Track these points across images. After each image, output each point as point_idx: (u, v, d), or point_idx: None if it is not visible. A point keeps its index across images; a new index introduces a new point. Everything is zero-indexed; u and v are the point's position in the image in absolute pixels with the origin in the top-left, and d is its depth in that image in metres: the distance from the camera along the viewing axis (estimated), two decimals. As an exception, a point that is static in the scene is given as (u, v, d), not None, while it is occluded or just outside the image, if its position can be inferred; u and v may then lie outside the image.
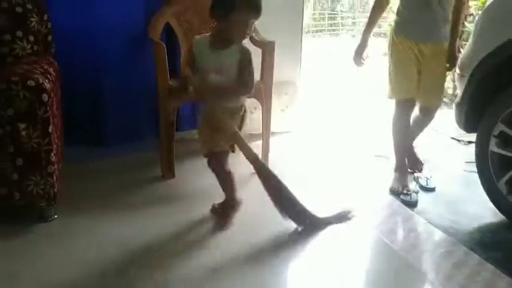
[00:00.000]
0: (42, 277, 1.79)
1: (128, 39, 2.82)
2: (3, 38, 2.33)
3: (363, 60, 2.72)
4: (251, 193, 2.36)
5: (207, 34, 2.10)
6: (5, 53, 2.34)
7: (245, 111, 2.21)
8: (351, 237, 2.18)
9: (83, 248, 1.97)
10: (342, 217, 2.27)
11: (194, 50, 2.08)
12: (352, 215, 2.28)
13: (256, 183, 2.20)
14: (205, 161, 3.00)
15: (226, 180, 2.26)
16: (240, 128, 2.20)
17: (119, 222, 2.20)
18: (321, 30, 9.51)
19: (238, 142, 2.15)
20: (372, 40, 2.73)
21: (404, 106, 2.63)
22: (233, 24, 1.96)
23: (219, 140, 2.16)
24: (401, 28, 2.57)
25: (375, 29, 2.78)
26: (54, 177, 2.08)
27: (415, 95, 2.60)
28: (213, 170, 2.25)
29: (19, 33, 2.36)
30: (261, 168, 2.19)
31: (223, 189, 2.27)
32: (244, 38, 2.03)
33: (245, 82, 2.07)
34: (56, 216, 2.17)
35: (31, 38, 2.40)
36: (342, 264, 1.99)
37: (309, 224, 2.17)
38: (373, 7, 2.69)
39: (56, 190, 2.10)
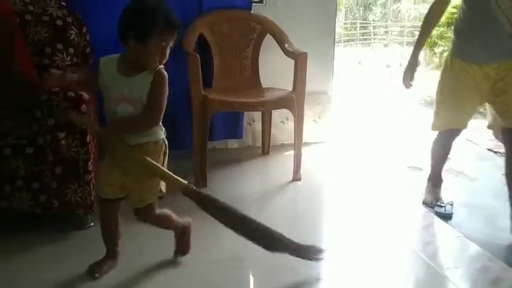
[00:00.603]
0: (82, 284, 1.83)
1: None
2: (44, 51, 2.41)
3: (411, 81, 2.43)
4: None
5: (116, 55, 1.72)
6: (46, 65, 2.42)
7: (165, 147, 1.82)
8: (385, 250, 2.16)
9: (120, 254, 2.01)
10: (307, 252, 1.89)
11: (101, 70, 1.71)
12: (320, 257, 1.90)
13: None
14: (237, 170, 3.04)
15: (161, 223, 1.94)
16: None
17: (154, 230, 2.21)
18: (352, 40, 9.47)
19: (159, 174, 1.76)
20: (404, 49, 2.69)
21: (448, 135, 2.46)
22: (149, 50, 1.62)
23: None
24: (459, 49, 2.28)
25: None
26: (91, 186, 2.12)
27: (463, 127, 2.42)
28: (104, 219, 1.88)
29: (59, 46, 2.43)
30: (195, 196, 1.81)
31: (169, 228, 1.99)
32: (160, 64, 1.68)
33: (154, 108, 1.69)
34: (92, 224, 2.22)
35: (71, 50, 2.47)
36: (375, 277, 1.96)
37: (270, 247, 1.84)
38: (426, 17, 2.39)
39: (92, 198, 2.14)
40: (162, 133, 1.78)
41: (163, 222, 1.92)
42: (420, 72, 2.57)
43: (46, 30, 2.41)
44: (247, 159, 3.18)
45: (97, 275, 1.84)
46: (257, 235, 1.82)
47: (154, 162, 1.72)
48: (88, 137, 2.07)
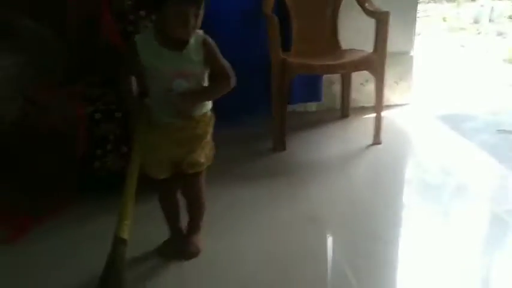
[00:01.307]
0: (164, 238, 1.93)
1: (242, 14, 2.87)
2: (128, 18, 2.49)
3: None
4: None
5: (149, 31, 1.64)
6: (130, 32, 2.49)
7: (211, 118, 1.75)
8: (470, 216, 2.08)
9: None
10: None
11: (138, 50, 1.60)
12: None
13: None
14: (316, 133, 3.03)
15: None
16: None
17: (228, 192, 2.27)
18: (436, -5, 8.95)
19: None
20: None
21: None
22: (168, 19, 1.52)
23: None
24: None
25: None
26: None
27: None
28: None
29: (142, 13, 2.50)
30: None
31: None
32: (187, 34, 1.56)
33: (229, 72, 1.65)
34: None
35: (153, 17, 2.53)
36: (459, 247, 1.91)
37: None
38: None
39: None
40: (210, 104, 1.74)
41: (203, 196, 1.83)
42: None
43: (130, -2, 2.48)
44: (326, 123, 3.15)
45: (199, 249, 1.84)
46: None
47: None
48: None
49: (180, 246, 1.85)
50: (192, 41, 1.59)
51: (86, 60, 2.48)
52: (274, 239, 1.94)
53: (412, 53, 3.31)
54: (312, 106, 3.33)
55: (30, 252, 1.88)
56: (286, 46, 2.75)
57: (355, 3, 2.89)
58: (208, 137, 1.74)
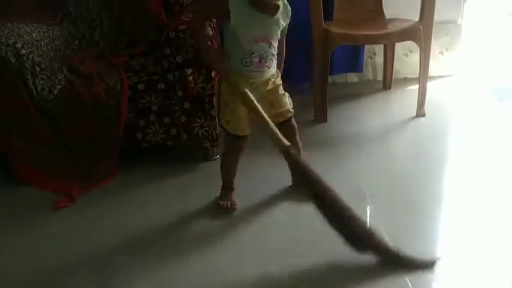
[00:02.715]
0: (209, 210, 1.96)
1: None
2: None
3: None
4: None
5: None
6: (172, 3, 2.50)
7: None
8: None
9: (242, 185, 2.06)
10: (424, 265, 1.56)
11: (232, 9, 1.63)
12: (434, 267, 1.56)
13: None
14: (357, 105, 2.98)
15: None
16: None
17: (269, 163, 2.26)
18: (484, -40, 8.52)
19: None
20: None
21: None
22: None
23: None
24: None
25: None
26: (216, 120, 2.21)
27: None
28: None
29: (184, -16, 2.50)
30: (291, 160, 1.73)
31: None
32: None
33: (285, 45, 1.84)
34: (217, 156, 2.32)
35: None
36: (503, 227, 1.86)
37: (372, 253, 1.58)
38: None
39: (217, 132, 2.24)
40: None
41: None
42: None
43: (170, -30, 2.47)
44: (367, 94, 3.09)
45: (235, 206, 1.93)
46: (348, 227, 1.58)
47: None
48: (213, 73, 2.13)
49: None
50: (280, 6, 1.67)
51: (129, 31, 2.50)
52: (313, 211, 1.94)
53: (460, 22, 3.19)
54: (353, 77, 3.27)
55: (76, 220, 1.94)
56: (327, 14, 2.68)
57: (401, -29, 2.79)
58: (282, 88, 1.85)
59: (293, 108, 1.90)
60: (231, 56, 1.72)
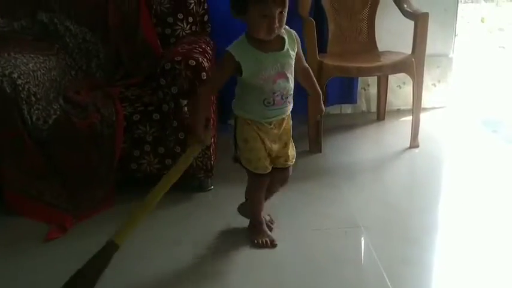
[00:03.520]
0: (202, 242, 1.94)
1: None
2: (166, 21, 2.53)
3: None
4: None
5: (240, 39, 1.64)
6: (168, 34, 2.54)
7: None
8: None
9: (237, 216, 2.07)
10: None
11: (237, 59, 1.60)
12: None
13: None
14: (352, 135, 3.00)
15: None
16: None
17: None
18: (474, -4, 8.74)
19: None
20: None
21: None
22: (254, 19, 1.54)
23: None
24: None
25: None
26: (211, 151, 2.21)
27: None
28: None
29: (180, 15, 2.54)
30: None
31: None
32: (271, 34, 1.57)
33: (308, 66, 1.79)
34: (212, 186, 2.33)
35: (190, 19, 2.56)
36: (496, 263, 1.86)
37: None
38: None
39: (212, 163, 2.24)
40: None
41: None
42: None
43: (168, 0, 2.53)
44: (361, 125, 3.11)
45: (275, 242, 1.89)
46: None
47: None
48: (208, 104, 2.14)
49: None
50: (285, 37, 1.64)
51: (125, 62, 2.53)
52: (309, 242, 1.93)
53: (451, 55, 3.24)
54: (348, 108, 3.30)
55: (68, 251, 1.91)
56: (321, 47, 2.73)
57: (393, 4, 2.85)
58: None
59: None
60: (250, 99, 1.69)
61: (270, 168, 1.80)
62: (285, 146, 1.80)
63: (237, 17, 1.60)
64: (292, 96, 1.73)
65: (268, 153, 1.77)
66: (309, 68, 1.80)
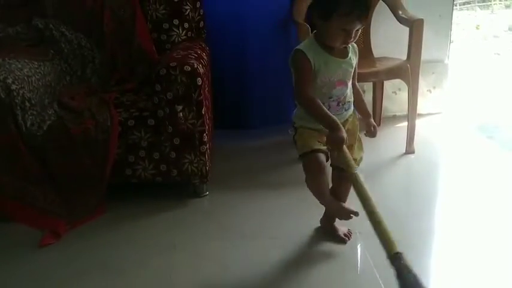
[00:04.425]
0: (197, 248, 1.93)
1: (274, 22, 2.88)
2: (162, 27, 2.53)
3: None
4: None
5: (310, 39, 1.66)
6: (163, 40, 2.54)
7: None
8: (505, 235, 2.03)
9: (232, 222, 2.08)
10: None
11: (309, 57, 1.61)
12: None
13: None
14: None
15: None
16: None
17: (261, 200, 2.28)
18: (469, 2, 8.79)
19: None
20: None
21: None
22: (333, 29, 1.55)
23: None
24: None
25: None
26: (206, 157, 2.21)
27: None
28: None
29: (175, 21, 2.54)
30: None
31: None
32: (345, 46, 1.63)
33: (359, 88, 1.82)
34: (207, 192, 2.32)
35: (186, 25, 2.56)
36: (493, 270, 1.85)
37: None
38: None
39: (207, 168, 2.23)
40: None
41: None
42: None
43: (164, 7, 2.53)
44: (357, 131, 3.11)
45: (350, 231, 1.94)
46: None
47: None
48: (203, 110, 2.14)
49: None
50: (349, 47, 1.67)
51: (120, 68, 2.52)
52: (304, 248, 1.92)
53: (446, 61, 3.25)
54: (343, 114, 3.30)
55: (62, 257, 1.90)
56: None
57: (388, 11, 2.85)
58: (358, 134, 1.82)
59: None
60: None
61: (322, 149, 1.68)
62: (350, 148, 1.74)
63: (314, 21, 1.62)
64: (350, 103, 1.75)
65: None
66: (360, 89, 1.82)
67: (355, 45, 1.71)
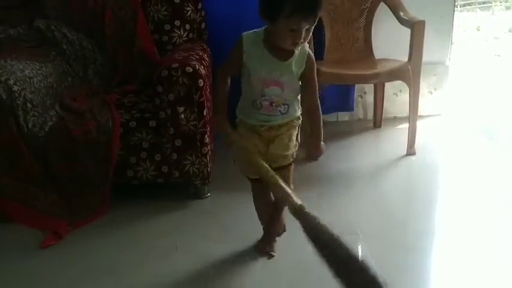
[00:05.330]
0: (198, 249, 1.93)
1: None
2: (163, 28, 2.53)
3: None
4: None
5: (259, 31, 1.61)
6: (165, 41, 2.54)
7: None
8: (506, 238, 2.03)
9: (234, 223, 2.08)
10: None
11: (245, 49, 1.60)
12: None
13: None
14: (348, 143, 3.00)
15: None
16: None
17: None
18: (469, 4, 8.80)
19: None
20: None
21: None
22: (281, 29, 1.49)
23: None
24: None
25: None
26: (208, 158, 2.21)
27: None
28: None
29: (177, 23, 2.55)
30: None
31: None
32: (294, 47, 1.55)
33: (317, 103, 1.68)
34: (209, 194, 2.32)
35: (187, 26, 2.57)
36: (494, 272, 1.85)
37: None
38: None
39: (209, 170, 2.23)
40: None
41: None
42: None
43: (165, 8, 2.53)
44: (358, 133, 3.11)
45: (273, 253, 1.87)
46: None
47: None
48: (205, 111, 2.14)
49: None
50: (296, 52, 1.59)
51: (122, 69, 2.53)
52: (305, 250, 1.91)
53: (447, 63, 3.26)
54: (344, 116, 3.30)
55: (63, 258, 1.91)
56: (318, 55, 2.73)
57: (390, 12, 2.86)
58: (293, 138, 1.73)
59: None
60: (244, 97, 1.69)
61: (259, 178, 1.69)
62: (277, 148, 1.70)
63: (263, 20, 1.56)
64: (286, 108, 1.67)
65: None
66: (319, 107, 1.69)
67: (308, 53, 1.62)
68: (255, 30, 1.63)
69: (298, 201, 1.51)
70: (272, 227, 1.90)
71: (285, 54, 1.58)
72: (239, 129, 1.74)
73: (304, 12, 1.46)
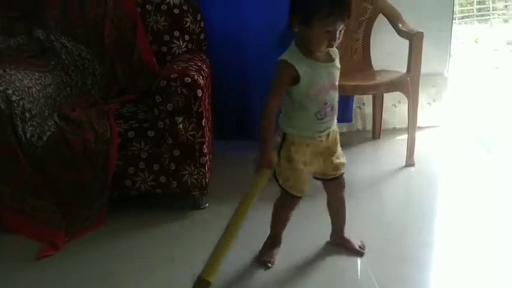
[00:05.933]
0: (197, 260, 1.91)
1: (274, 35, 2.88)
2: (163, 39, 2.54)
3: None
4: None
5: (292, 47, 1.62)
6: (164, 52, 2.55)
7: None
8: (505, 248, 2.02)
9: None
10: None
11: (296, 68, 1.57)
12: None
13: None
14: (347, 154, 2.99)
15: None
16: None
17: (263, 211, 2.25)
18: (467, 16, 8.85)
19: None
20: None
21: None
22: (317, 33, 1.51)
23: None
24: None
25: None
26: (206, 168, 2.21)
27: None
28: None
29: (176, 33, 2.55)
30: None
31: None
32: (332, 48, 1.60)
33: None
34: (207, 204, 2.31)
35: (186, 37, 2.58)
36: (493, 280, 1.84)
37: None
38: None
39: (207, 180, 2.23)
40: None
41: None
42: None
43: (164, 18, 2.54)
44: (357, 144, 3.11)
45: (270, 265, 1.88)
46: None
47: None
48: (203, 121, 2.14)
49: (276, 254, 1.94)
50: (332, 51, 1.65)
51: (121, 79, 2.53)
52: (304, 261, 1.91)
53: (446, 74, 3.27)
54: (343, 127, 3.30)
55: (61, 269, 1.89)
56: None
57: (388, 24, 2.87)
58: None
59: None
60: (302, 116, 1.66)
61: (306, 191, 1.79)
62: (332, 155, 1.77)
63: (295, 28, 1.58)
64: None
65: (317, 170, 1.78)
66: None
67: (335, 49, 1.66)
68: (286, 50, 1.63)
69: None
70: (340, 221, 1.97)
71: (326, 56, 1.64)
72: (286, 145, 1.73)
73: (339, 11, 1.49)
